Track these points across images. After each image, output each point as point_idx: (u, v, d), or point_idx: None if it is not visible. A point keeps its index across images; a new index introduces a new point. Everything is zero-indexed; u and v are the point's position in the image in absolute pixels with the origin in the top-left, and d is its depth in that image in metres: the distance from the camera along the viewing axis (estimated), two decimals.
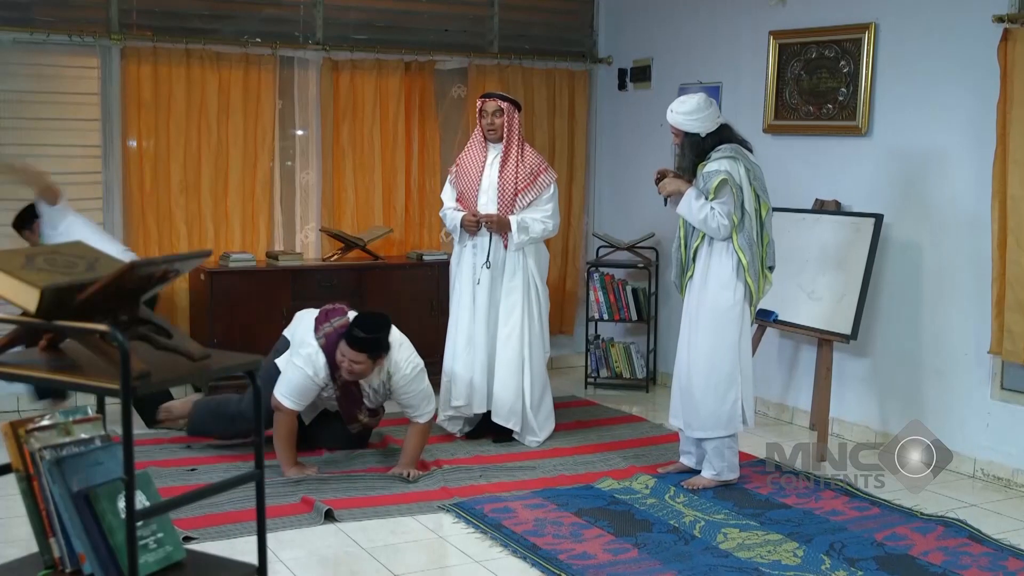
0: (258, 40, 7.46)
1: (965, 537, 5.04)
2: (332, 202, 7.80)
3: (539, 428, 6.55)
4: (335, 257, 7.62)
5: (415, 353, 5.86)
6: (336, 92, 7.70)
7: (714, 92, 7.44)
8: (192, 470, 5.85)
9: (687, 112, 5.55)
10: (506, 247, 6.41)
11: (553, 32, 8.65)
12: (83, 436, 2.64)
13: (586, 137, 8.70)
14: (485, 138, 6.50)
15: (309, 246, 7.91)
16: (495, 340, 6.47)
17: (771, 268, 5.64)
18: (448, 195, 6.64)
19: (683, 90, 7.52)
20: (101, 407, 2.87)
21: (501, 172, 6.42)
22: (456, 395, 6.53)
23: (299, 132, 7.82)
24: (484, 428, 6.60)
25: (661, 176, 5.74)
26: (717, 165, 5.47)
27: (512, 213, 6.40)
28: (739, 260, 5.49)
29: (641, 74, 8.33)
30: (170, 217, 7.29)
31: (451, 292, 6.66)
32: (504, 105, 6.43)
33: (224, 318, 7.00)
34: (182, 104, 7.24)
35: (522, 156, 6.44)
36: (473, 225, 6.41)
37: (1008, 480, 5.91)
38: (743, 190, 5.45)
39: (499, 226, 6.37)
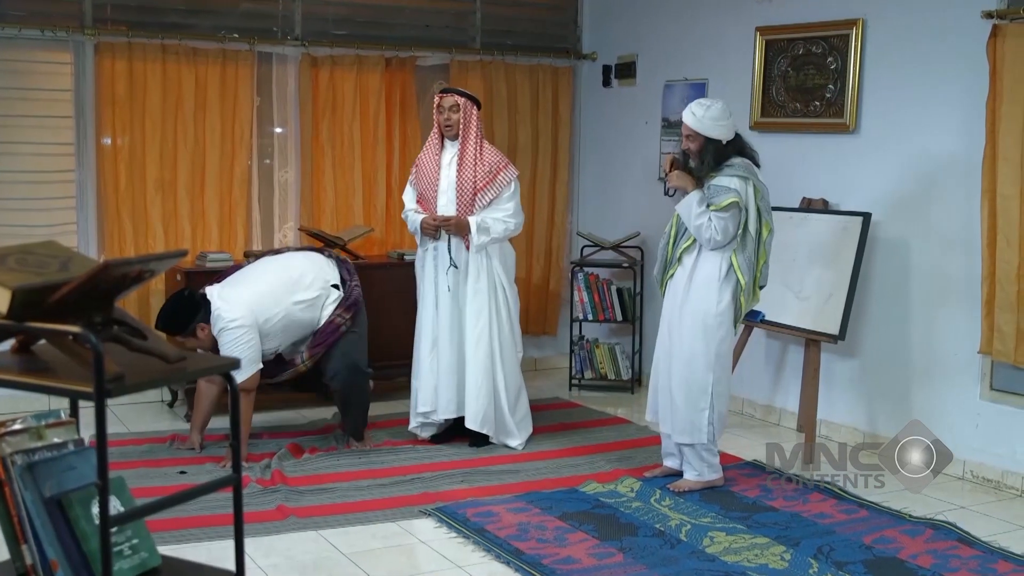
0: (236, 35, 7.37)
1: (954, 540, 5.02)
2: (311, 201, 7.71)
3: (518, 430, 6.45)
4: None
5: (232, 317, 5.84)
6: (315, 88, 7.62)
7: (700, 89, 7.44)
8: (182, 472, 5.82)
9: (715, 118, 5.44)
10: (468, 248, 6.28)
11: (537, 28, 8.58)
12: (56, 440, 2.58)
13: (570, 134, 8.64)
14: (442, 135, 6.37)
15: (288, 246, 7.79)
16: (462, 344, 6.35)
17: (762, 287, 5.62)
18: (409, 196, 6.51)
19: (668, 87, 7.52)
20: (75, 411, 2.81)
21: (459, 171, 6.27)
22: (422, 401, 6.42)
23: (278, 129, 7.73)
24: (456, 433, 6.49)
25: (671, 164, 5.63)
26: (729, 182, 5.41)
27: (472, 213, 6.26)
28: (737, 280, 5.46)
29: (626, 70, 8.28)
30: (145, 216, 7.19)
31: (418, 296, 6.54)
32: (461, 101, 6.29)
33: None
34: (158, 101, 7.14)
35: (480, 154, 6.29)
36: (431, 229, 6.27)
37: (998, 482, 5.87)
38: (748, 211, 5.40)
39: (458, 228, 6.23)
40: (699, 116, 5.44)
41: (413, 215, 6.40)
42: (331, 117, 7.68)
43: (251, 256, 7.23)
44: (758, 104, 7.09)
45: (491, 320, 6.32)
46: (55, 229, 6.89)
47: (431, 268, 6.37)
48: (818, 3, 6.71)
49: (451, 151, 6.35)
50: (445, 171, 6.33)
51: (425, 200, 6.37)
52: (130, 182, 7.12)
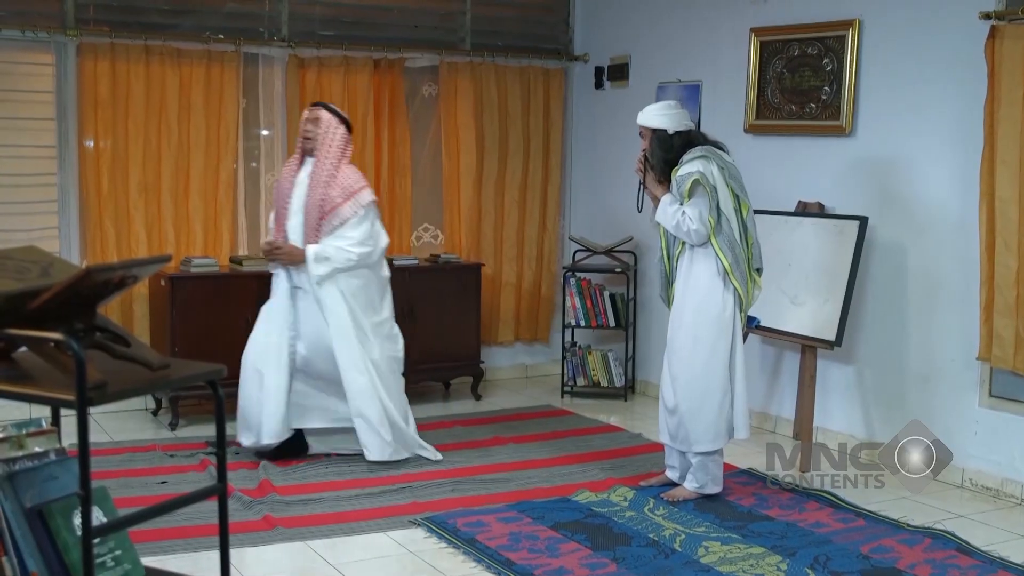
0: (221, 36, 7.29)
1: (953, 549, 4.97)
2: None
3: (423, 441, 6.25)
4: None
5: None
6: (302, 90, 7.54)
7: (694, 91, 7.39)
8: (163, 482, 5.75)
9: (655, 109, 5.58)
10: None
11: (527, 28, 8.53)
12: (37, 450, 2.57)
13: (562, 137, 8.60)
14: (303, 150, 6.08)
15: None
16: (289, 367, 6.02)
17: (759, 270, 5.53)
18: (272, 213, 6.25)
19: (661, 88, 7.50)
20: (56, 419, 2.80)
21: (309, 192, 5.92)
22: (245, 432, 6.09)
23: (264, 132, 7.66)
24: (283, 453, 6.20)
25: (643, 159, 5.62)
26: (689, 167, 5.39)
27: (317, 240, 5.90)
28: (721, 263, 5.36)
29: (618, 72, 8.23)
30: (128, 220, 7.10)
31: (261, 313, 6.18)
32: (324, 115, 5.99)
33: (185, 325, 6.80)
34: (141, 102, 7.06)
35: (335, 176, 5.93)
36: (269, 259, 6.00)
37: (997, 490, 5.82)
38: (717, 190, 5.35)
39: (290, 259, 5.92)
40: (643, 111, 5.61)
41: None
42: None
43: (236, 261, 7.17)
44: (753, 106, 7.04)
45: (357, 348, 5.97)
46: (35, 234, 6.81)
47: (282, 291, 6.04)
48: (813, 4, 6.67)
49: (307, 169, 6.01)
50: (298, 190, 6.00)
51: (279, 219, 6.06)
52: (113, 185, 7.04)
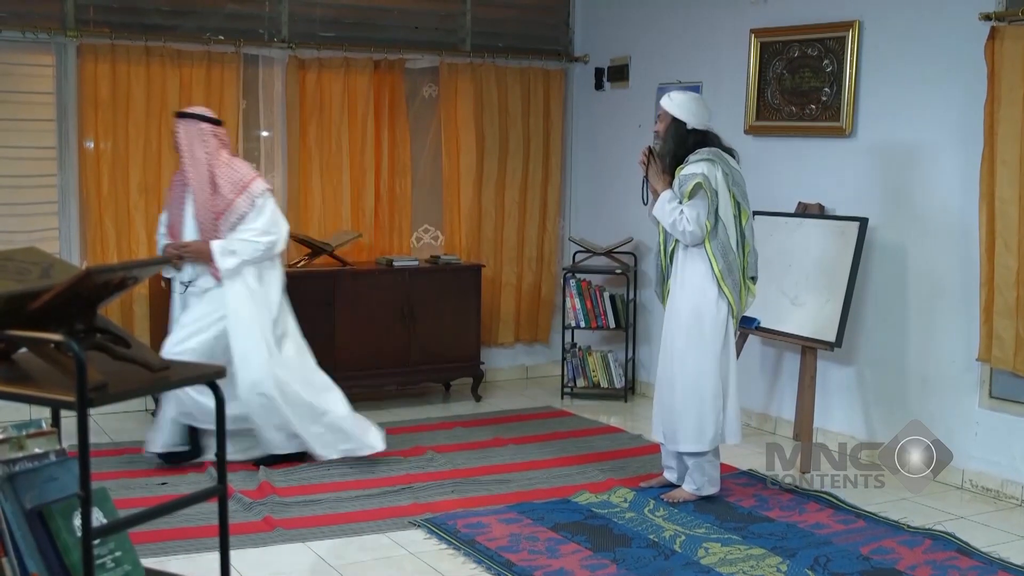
0: (221, 37, 7.29)
1: (953, 550, 4.96)
2: (298, 206, 7.62)
3: (371, 428, 6.15)
4: (301, 263, 7.43)
5: None
6: (302, 92, 7.55)
7: (694, 91, 7.33)
8: (163, 483, 5.74)
9: (682, 97, 5.52)
10: (219, 278, 5.83)
11: (527, 30, 8.53)
12: (37, 451, 2.58)
13: (562, 138, 8.60)
14: None
15: None
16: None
17: (753, 278, 5.52)
18: (164, 219, 6.14)
19: (661, 89, 7.47)
20: (56, 420, 2.81)
21: (195, 199, 5.83)
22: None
23: (264, 133, 7.65)
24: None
25: (647, 155, 5.59)
26: (694, 168, 5.38)
27: (218, 238, 5.81)
28: (713, 268, 5.37)
29: (619, 73, 8.24)
30: (129, 221, 7.10)
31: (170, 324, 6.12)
32: (177, 124, 5.86)
33: None
34: (141, 103, 7.06)
35: (218, 173, 5.79)
36: (176, 259, 5.86)
37: (997, 491, 5.82)
38: (719, 195, 5.33)
39: (198, 255, 5.81)
40: (670, 96, 5.55)
41: (162, 241, 6.06)
42: (318, 120, 7.61)
43: None
44: (753, 107, 7.04)
45: (258, 346, 5.88)
46: (36, 235, 6.81)
47: (180, 300, 6.00)
48: (814, 4, 6.67)
49: None
50: (188, 198, 5.90)
51: (174, 228, 5.97)
52: (113, 186, 7.04)
